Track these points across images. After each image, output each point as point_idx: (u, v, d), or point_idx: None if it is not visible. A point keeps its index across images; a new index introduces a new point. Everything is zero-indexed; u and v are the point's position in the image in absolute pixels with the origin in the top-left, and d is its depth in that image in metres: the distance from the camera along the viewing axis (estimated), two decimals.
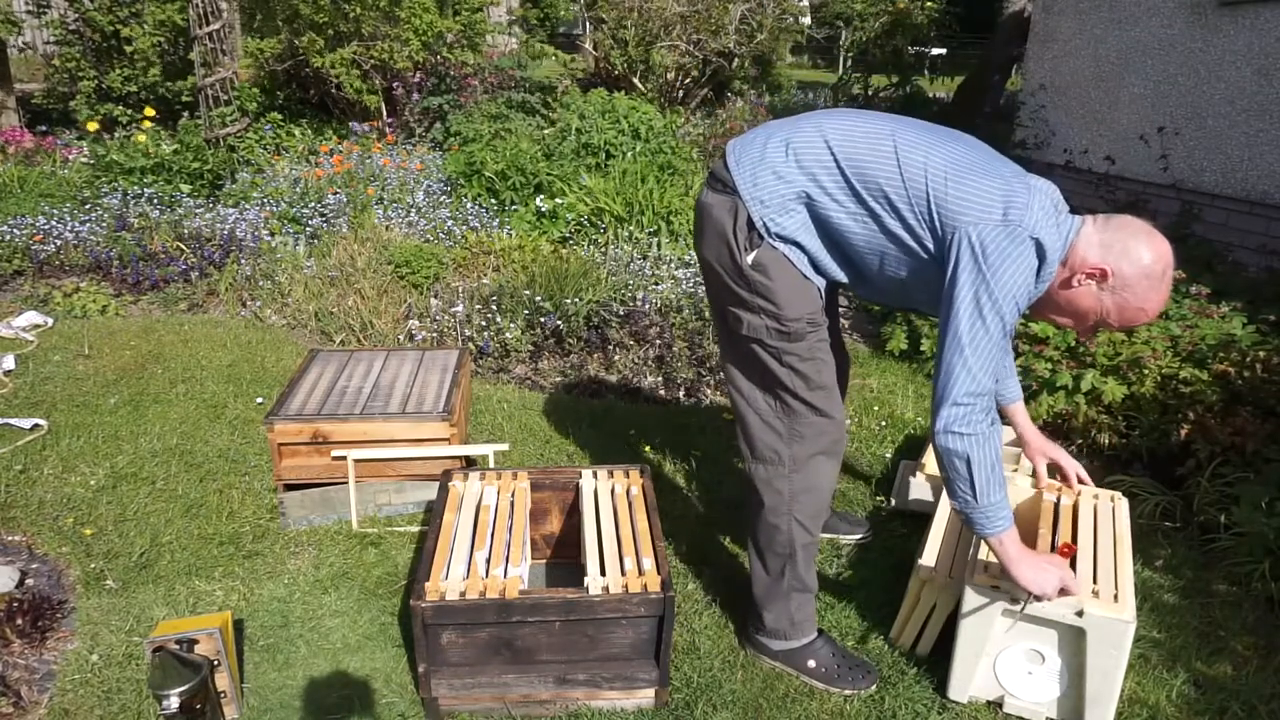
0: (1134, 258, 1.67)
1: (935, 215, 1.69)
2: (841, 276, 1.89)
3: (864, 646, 2.16)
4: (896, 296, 1.92)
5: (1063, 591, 1.78)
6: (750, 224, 1.80)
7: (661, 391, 3.49)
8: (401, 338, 3.79)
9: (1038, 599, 1.78)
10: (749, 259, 1.82)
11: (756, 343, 1.89)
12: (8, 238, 4.52)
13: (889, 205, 1.73)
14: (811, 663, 2.05)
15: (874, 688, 2.02)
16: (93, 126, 6.44)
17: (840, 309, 4.49)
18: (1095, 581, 1.89)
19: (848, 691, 2.01)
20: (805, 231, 1.82)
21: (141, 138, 5.55)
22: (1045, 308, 1.80)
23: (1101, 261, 1.68)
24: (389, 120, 6.88)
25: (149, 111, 6.22)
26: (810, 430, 1.93)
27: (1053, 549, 1.99)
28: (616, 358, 3.63)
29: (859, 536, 2.57)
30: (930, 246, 1.73)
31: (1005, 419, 2.15)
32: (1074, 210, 1.77)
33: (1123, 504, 2.18)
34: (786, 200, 1.79)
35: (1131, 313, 1.71)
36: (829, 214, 1.78)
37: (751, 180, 1.80)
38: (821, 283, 1.88)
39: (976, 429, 1.67)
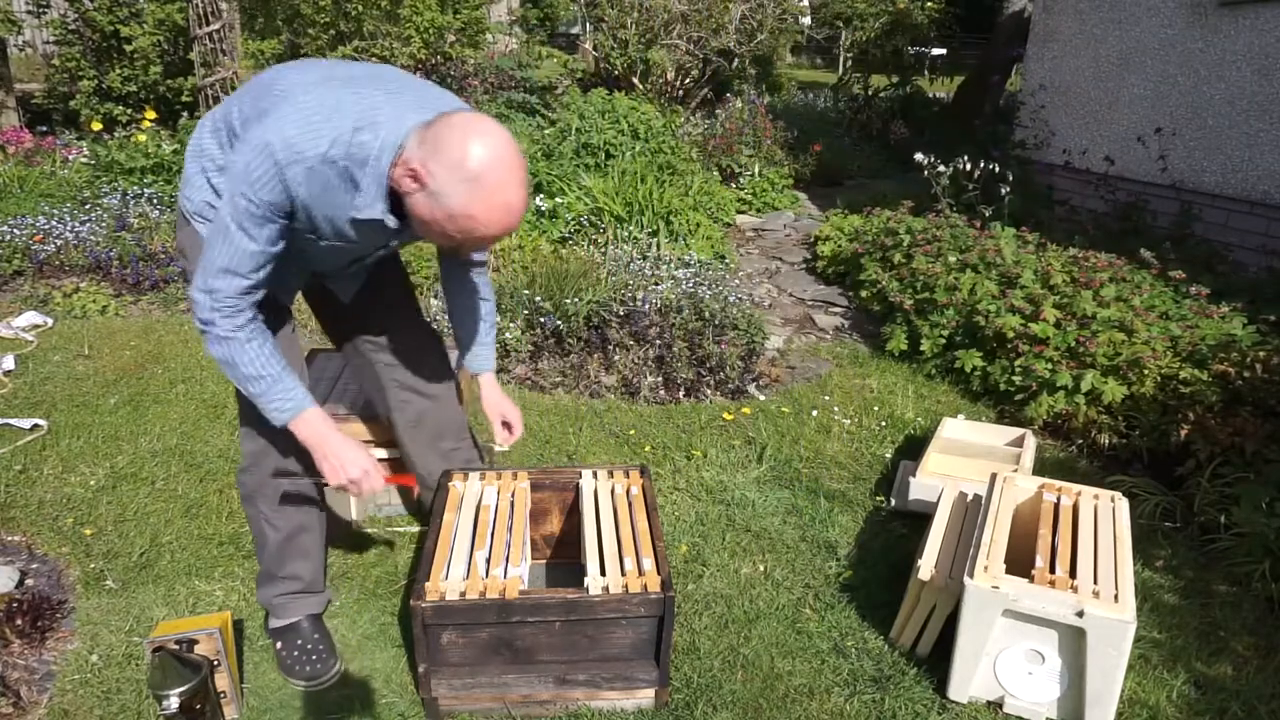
0: (447, 156, 1.44)
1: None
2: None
3: (864, 646, 2.16)
4: None
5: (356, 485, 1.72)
6: None
7: (661, 391, 3.49)
8: None
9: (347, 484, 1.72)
10: None
11: None
12: (8, 238, 4.52)
13: None
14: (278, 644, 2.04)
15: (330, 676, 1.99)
16: (97, 125, 6.44)
17: (838, 310, 4.50)
18: (1095, 581, 1.89)
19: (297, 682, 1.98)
20: None
21: (141, 137, 5.55)
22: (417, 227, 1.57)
23: (417, 161, 1.46)
24: None
25: (149, 113, 6.22)
26: None
27: (1053, 549, 2.00)
28: (616, 358, 3.63)
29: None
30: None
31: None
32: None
33: (1123, 504, 2.18)
34: None
35: (462, 223, 1.47)
36: None
37: None
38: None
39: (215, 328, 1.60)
